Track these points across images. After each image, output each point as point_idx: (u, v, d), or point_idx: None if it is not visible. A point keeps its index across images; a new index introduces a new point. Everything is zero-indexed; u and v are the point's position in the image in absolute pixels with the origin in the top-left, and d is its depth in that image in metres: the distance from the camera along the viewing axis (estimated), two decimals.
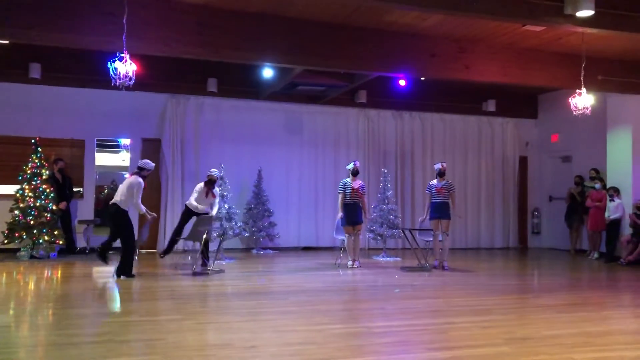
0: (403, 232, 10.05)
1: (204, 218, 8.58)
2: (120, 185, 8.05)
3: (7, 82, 10.51)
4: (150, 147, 11.52)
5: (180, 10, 7.45)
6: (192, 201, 8.84)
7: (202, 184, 8.97)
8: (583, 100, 8.47)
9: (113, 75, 6.65)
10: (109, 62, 6.67)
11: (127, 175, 8.41)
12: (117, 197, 7.77)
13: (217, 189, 9.13)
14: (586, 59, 8.61)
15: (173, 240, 8.99)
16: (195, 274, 8.24)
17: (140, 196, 7.82)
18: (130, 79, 6.70)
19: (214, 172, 9.10)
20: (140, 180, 7.84)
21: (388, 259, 10.58)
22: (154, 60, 9.97)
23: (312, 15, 7.87)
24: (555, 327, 5.27)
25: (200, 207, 8.77)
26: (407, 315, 5.75)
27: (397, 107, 12.90)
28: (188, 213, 8.90)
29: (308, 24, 8.02)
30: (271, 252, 11.48)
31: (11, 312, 5.94)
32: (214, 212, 9.02)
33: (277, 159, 12.03)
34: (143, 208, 7.89)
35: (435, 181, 9.59)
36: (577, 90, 8.54)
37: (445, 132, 13.37)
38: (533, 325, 5.40)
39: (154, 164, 8.39)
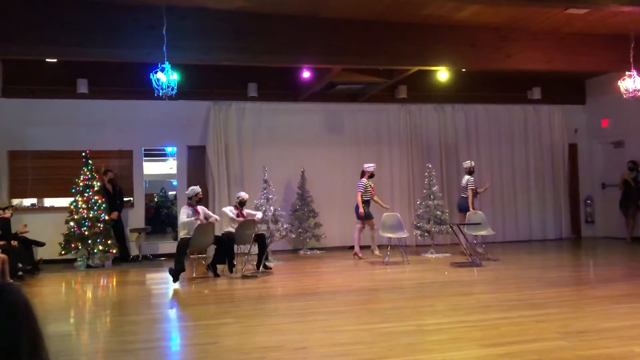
0: (451, 227, 9.92)
1: (248, 222, 8.68)
2: None
3: (57, 99, 10.90)
4: (195, 154, 11.74)
5: (216, 18, 7.56)
6: (230, 225, 8.88)
7: (231, 208, 9.08)
8: (633, 82, 8.14)
9: (156, 86, 6.81)
10: (151, 74, 6.84)
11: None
12: None
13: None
14: (635, 39, 8.26)
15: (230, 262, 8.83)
16: (244, 277, 8.35)
17: (186, 217, 8.36)
18: (172, 89, 6.86)
19: (243, 194, 9.29)
20: (183, 207, 8.63)
21: (437, 255, 10.45)
22: (195, 69, 10.17)
23: (347, 13, 7.85)
24: (614, 319, 5.09)
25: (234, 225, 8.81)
26: (457, 312, 5.65)
27: (439, 101, 12.72)
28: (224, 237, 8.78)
29: (343, 22, 8.00)
30: (318, 252, 11.52)
31: (72, 320, 6.17)
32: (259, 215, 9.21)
33: (319, 159, 12.05)
34: (188, 220, 8.34)
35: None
36: (627, 73, 8.22)
37: (490, 123, 13.09)
38: (590, 317, 5.23)
39: (193, 188, 8.73)
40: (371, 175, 10.29)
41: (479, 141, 12.97)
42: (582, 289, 7.07)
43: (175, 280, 7.89)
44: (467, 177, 10.40)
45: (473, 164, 10.67)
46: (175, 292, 7.53)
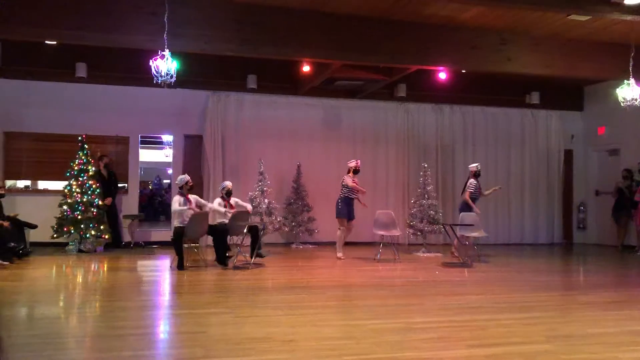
0: (444, 227, 9.95)
1: (242, 213, 8.69)
2: None
3: (55, 82, 10.86)
4: (192, 144, 11.74)
5: (219, 8, 7.55)
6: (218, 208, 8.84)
7: (220, 200, 8.91)
8: (632, 91, 8.18)
9: (155, 73, 6.79)
10: (151, 61, 6.82)
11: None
12: None
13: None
14: (635, 48, 8.30)
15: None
16: (235, 267, 8.36)
17: (178, 206, 8.39)
18: (171, 77, 6.84)
19: (227, 183, 9.13)
20: (176, 196, 8.65)
21: (428, 254, 10.49)
22: (195, 58, 10.14)
23: (350, 9, 7.85)
24: (601, 326, 5.13)
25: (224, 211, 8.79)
26: (446, 312, 5.68)
27: (437, 101, 12.74)
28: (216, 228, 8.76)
29: (346, 18, 8.00)
30: (311, 246, 11.54)
31: (61, 303, 6.17)
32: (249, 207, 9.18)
33: (316, 154, 12.06)
34: (180, 209, 8.38)
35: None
36: (626, 81, 8.25)
37: (487, 125, 13.13)
38: (577, 322, 5.27)
39: (182, 177, 8.73)
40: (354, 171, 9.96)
41: (476, 143, 13.00)
42: (570, 294, 7.12)
43: (180, 268, 8.02)
44: (471, 179, 9.83)
45: (476, 167, 9.87)
46: (165, 280, 7.54)
